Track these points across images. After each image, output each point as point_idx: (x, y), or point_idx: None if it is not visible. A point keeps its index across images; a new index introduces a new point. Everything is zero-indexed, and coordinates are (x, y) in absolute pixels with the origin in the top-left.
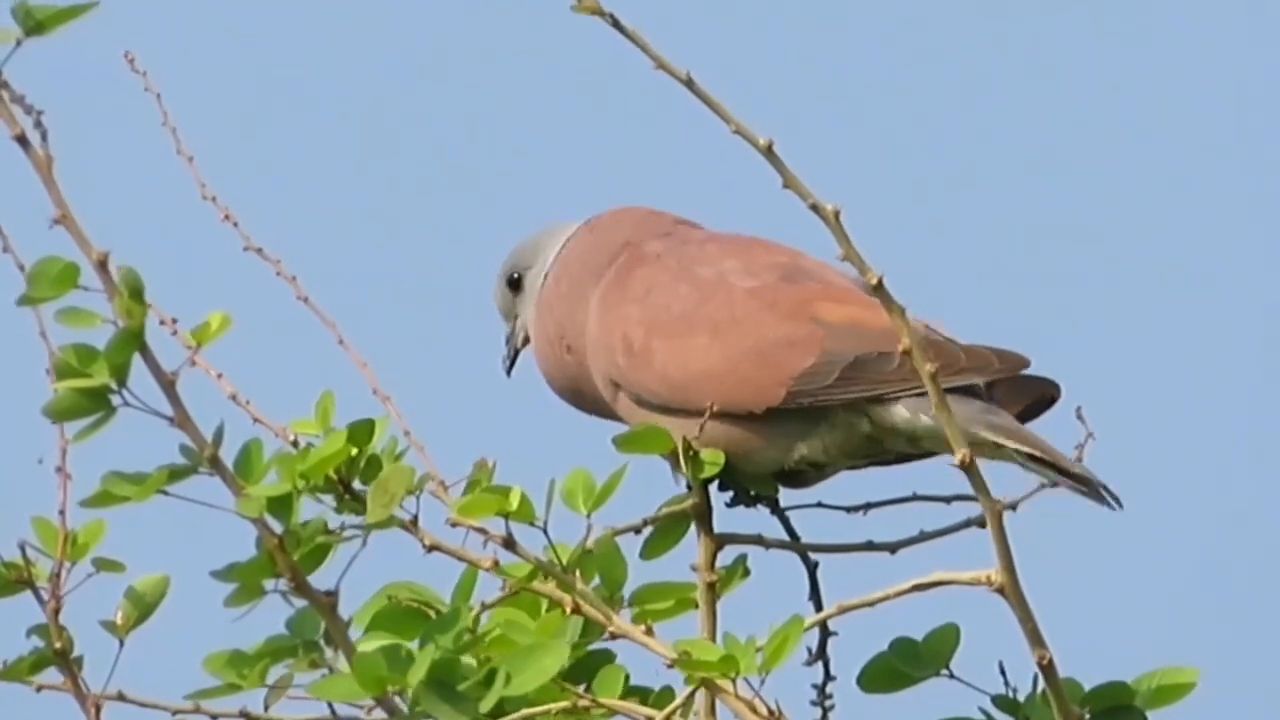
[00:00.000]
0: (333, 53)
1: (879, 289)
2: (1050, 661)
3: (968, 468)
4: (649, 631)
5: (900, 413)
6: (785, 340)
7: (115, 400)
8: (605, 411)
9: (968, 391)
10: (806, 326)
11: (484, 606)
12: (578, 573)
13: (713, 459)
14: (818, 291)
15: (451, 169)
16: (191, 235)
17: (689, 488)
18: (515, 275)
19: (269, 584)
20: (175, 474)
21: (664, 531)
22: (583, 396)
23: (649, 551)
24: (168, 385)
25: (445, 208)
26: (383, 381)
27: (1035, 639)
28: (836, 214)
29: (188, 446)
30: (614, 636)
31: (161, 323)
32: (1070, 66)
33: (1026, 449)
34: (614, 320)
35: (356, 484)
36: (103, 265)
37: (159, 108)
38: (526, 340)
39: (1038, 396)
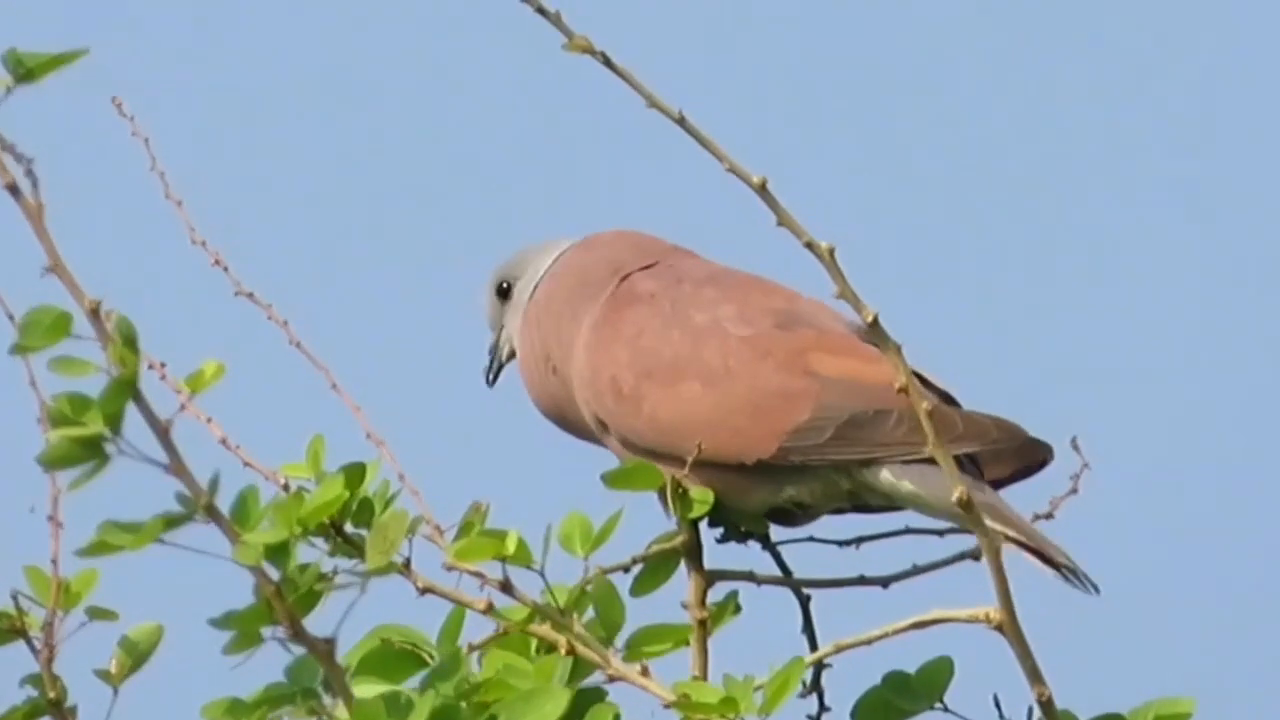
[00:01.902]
0: (324, 93)
1: (874, 326)
2: (1050, 699)
3: (965, 505)
4: (645, 671)
5: (885, 476)
6: (779, 392)
7: (109, 449)
8: (588, 435)
9: (955, 461)
10: (801, 379)
11: (472, 647)
12: (574, 616)
13: (702, 497)
14: (813, 340)
15: (444, 211)
16: (182, 280)
17: (679, 524)
18: (505, 284)
19: (267, 631)
20: (171, 522)
21: (654, 568)
22: (566, 419)
23: (639, 588)
24: (162, 433)
25: (438, 250)
26: (376, 426)
27: (1034, 676)
28: (831, 251)
29: (183, 494)
30: (611, 679)
31: (150, 366)
32: (1068, 99)
33: (1010, 531)
34: (603, 361)
35: (349, 527)
36: (95, 313)
37: (147, 151)
38: (512, 354)
39: (1030, 460)
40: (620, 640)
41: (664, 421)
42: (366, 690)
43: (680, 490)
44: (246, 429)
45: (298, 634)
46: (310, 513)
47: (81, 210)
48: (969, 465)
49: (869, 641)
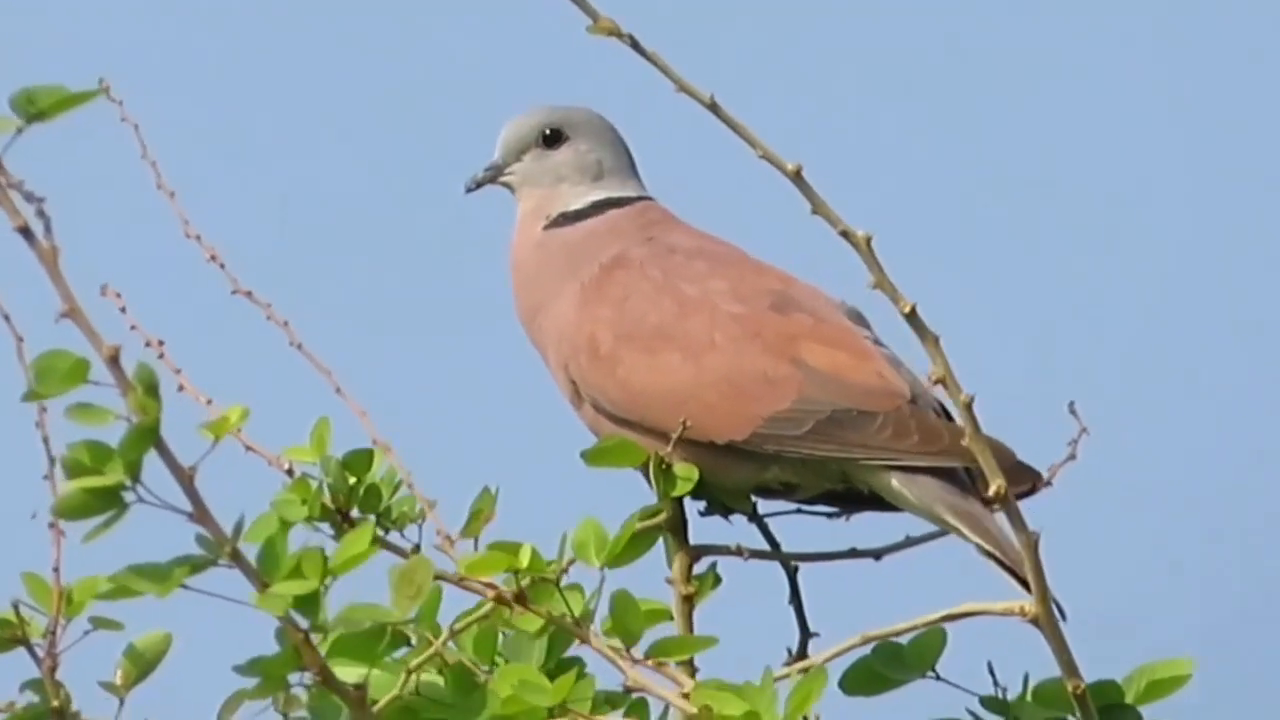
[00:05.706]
0: (333, 85)
1: (912, 318)
2: (1084, 692)
3: (1002, 499)
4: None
5: (876, 474)
6: (761, 376)
7: (129, 497)
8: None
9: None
10: (787, 366)
11: (452, 632)
12: (590, 627)
13: (686, 475)
14: (806, 328)
15: (457, 206)
16: (176, 276)
17: (661, 500)
18: (555, 133)
19: (294, 677)
20: (195, 567)
21: (633, 540)
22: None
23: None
24: (186, 481)
25: (446, 248)
26: (381, 429)
27: (1070, 669)
28: (868, 240)
29: (205, 538)
30: (629, 691)
31: (148, 344)
32: (1111, 88)
33: (987, 546)
34: (585, 319)
35: (355, 513)
36: (114, 360)
37: (155, 174)
38: (505, 187)
39: (1018, 483)
40: (639, 649)
41: (636, 387)
42: (345, 673)
43: (664, 466)
44: (251, 433)
45: (328, 681)
46: (339, 565)
47: (84, 233)
48: (964, 477)
49: (897, 634)
